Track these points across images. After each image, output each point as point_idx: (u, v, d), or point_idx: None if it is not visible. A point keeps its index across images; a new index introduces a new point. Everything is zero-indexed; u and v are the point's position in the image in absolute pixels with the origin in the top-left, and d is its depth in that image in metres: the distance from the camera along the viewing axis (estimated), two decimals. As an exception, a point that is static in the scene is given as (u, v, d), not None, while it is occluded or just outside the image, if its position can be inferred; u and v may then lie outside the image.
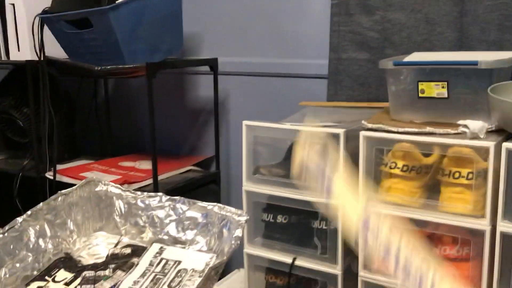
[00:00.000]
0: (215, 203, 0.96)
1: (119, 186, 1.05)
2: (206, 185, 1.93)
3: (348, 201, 0.72)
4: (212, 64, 1.89)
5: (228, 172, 2.05)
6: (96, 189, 1.06)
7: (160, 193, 1.01)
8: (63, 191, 1.02)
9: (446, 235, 1.20)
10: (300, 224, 1.44)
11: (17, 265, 0.95)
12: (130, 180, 1.71)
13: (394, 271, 0.65)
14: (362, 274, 1.31)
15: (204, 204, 0.97)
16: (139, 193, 1.03)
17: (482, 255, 1.14)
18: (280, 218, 1.45)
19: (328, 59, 1.72)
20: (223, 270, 1.98)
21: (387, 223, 0.68)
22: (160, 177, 1.75)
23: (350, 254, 1.37)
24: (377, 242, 0.67)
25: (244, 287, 1.55)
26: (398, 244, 0.66)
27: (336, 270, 1.35)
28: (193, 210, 0.98)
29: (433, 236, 1.23)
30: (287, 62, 1.86)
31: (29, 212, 0.99)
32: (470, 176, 1.16)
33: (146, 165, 1.89)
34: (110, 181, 1.08)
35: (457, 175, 1.18)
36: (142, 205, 1.02)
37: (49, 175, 1.82)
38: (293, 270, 1.41)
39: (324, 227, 1.38)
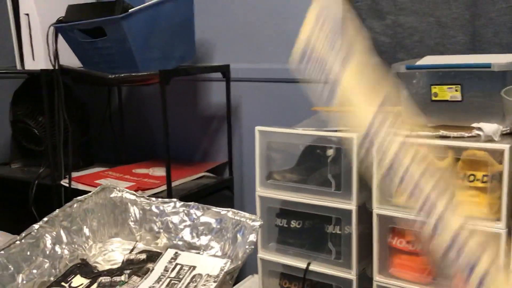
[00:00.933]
0: (229, 209, 0.96)
1: (133, 192, 1.06)
2: (220, 191, 1.94)
3: (357, 103, 0.61)
4: (224, 70, 1.91)
5: (242, 178, 2.05)
6: (111, 196, 1.07)
7: (174, 199, 1.02)
8: (78, 198, 1.03)
9: (461, 239, 1.19)
10: (314, 229, 1.43)
11: (34, 271, 0.96)
12: (144, 186, 1.73)
13: (409, 196, 0.60)
14: (377, 278, 1.30)
15: (218, 209, 0.98)
16: (153, 199, 1.04)
17: (497, 258, 1.13)
18: (294, 223, 1.45)
19: (340, 64, 1.72)
20: (237, 275, 1.98)
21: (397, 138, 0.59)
22: (174, 184, 1.76)
23: (365, 259, 1.36)
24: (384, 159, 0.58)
25: (258, 293, 1.55)
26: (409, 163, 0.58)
27: (351, 275, 1.35)
28: (207, 215, 0.99)
29: (448, 240, 1.23)
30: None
31: (45, 219, 1.00)
32: (485, 179, 1.15)
33: (160, 171, 1.90)
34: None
35: (471, 178, 1.17)
36: (156, 211, 1.03)
37: (64, 182, 1.83)
38: (307, 275, 1.41)
39: (338, 232, 1.38)
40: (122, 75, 1.65)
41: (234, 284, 1.74)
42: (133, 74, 1.65)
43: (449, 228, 0.54)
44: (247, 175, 2.04)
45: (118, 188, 1.06)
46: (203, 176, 1.95)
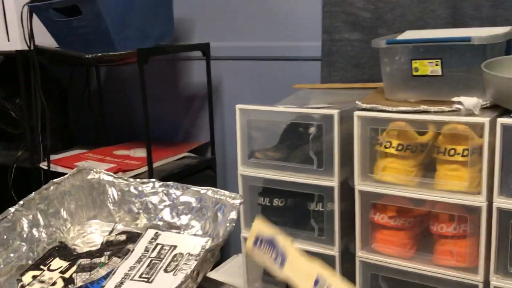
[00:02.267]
0: (208, 187, 0.96)
1: (111, 173, 1.04)
2: (202, 171, 1.92)
3: (300, 274, 0.79)
4: (204, 49, 1.88)
5: (224, 158, 2.04)
6: (88, 177, 1.05)
7: (153, 179, 1.01)
8: (54, 180, 1.01)
9: (442, 213, 1.20)
10: (296, 207, 1.43)
11: (12, 255, 0.94)
12: (124, 168, 1.71)
13: None
14: (360, 254, 1.31)
15: (198, 188, 0.97)
16: (131, 180, 1.02)
17: (479, 231, 1.14)
18: (276, 202, 1.44)
19: (321, 41, 1.70)
20: (221, 256, 1.99)
21: None
22: (155, 165, 1.74)
23: (348, 235, 1.36)
24: None
25: (242, 272, 1.55)
26: None
27: (334, 251, 1.35)
28: (187, 195, 0.98)
29: (430, 214, 1.23)
30: (279, 45, 1.85)
31: (21, 202, 0.98)
32: (466, 153, 1.15)
33: (141, 153, 1.88)
34: (105, 170, 1.07)
35: (452, 152, 1.17)
36: (135, 191, 1.01)
37: (43, 165, 1.81)
38: (290, 253, 1.41)
39: (320, 209, 1.37)
40: (99, 54, 1.62)
41: (218, 264, 1.74)
42: (110, 53, 1.62)
43: None
44: (229, 154, 2.03)
45: (95, 170, 1.05)
46: (185, 157, 1.94)
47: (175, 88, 2.11)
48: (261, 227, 0.87)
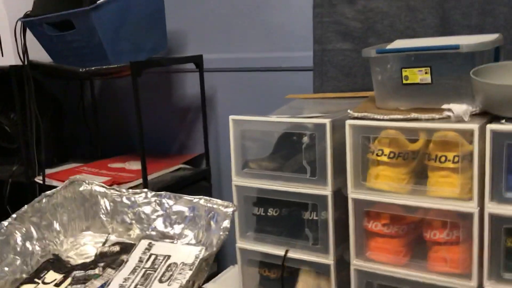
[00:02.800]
0: (201, 196, 0.96)
1: (103, 184, 1.04)
2: (197, 183, 1.93)
3: None
4: (198, 61, 1.89)
5: (219, 169, 2.05)
6: (80, 189, 1.05)
7: (145, 190, 1.02)
8: (47, 192, 1.02)
9: (435, 219, 1.20)
10: (291, 216, 1.43)
11: (6, 269, 0.94)
12: (119, 180, 1.71)
13: None
14: (355, 262, 1.31)
15: (190, 197, 0.97)
16: (124, 190, 1.03)
17: (471, 237, 1.15)
18: (271, 211, 1.45)
19: (313, 51, 1.72)
20: (218, 267, 1.98)
21: None
22: (150, 177, 1.75)
23: (342, 244, 1.37)
24: None
25: (238, 282, 1.54)
26: None
27: (329, 260, 1.35)
28: (180, 204, 0.98)
29: (423, 221, 1.24)
30: (272, 56, 1.86)
31: (14, 216, 0.98)
32: (456, 159, 1.16)
33: (136, 165, 1.88)
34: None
35: (443, 159, 1.18)
36: (128, 202, 1.02)
37: (38, 179, 1.81)
38: (286, 262, 1.41)
39: (315, 218, 1.38)
40: (93, 68, 1.63)
41: (215, 276, 1.73)
42: (104, 67, 1.63)
43: None
44: (224, 165, 2.03)
45: (87, 181, 1.05)
46: (179, 168, 1.94)
47: (169, 100, 2.12)
48: None
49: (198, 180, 1.94)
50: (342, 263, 1.36)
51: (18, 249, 0.97)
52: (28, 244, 0.98)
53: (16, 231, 0.97)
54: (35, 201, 1.00)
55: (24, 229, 0.98)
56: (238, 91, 1.96)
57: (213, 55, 1.95)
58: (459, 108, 1.17)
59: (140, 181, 1.71)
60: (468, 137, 1.14)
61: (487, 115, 1.19)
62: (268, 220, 1.46)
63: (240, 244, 1.50)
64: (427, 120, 1.20)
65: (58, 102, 2.12)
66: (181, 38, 2.03)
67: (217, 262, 1.94)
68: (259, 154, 1.51)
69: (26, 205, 0.99)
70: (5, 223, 0.97)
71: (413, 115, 1.22)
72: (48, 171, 1.83)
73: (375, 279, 1.29)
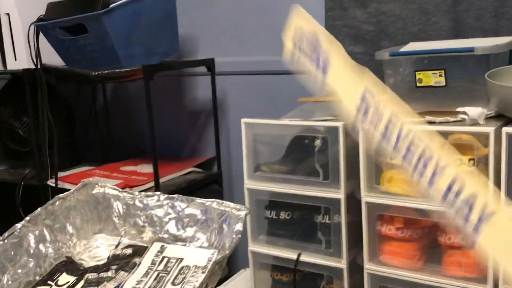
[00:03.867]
0: (213, 199, 0.96)
1: (116, 187, 1.04)
2: (209, 186, 1.93)
3: (345, 85, 0.65)
4: (209, 64, 1.89)
5: (230, 172, 2.04)
6: (93, 192, 1.05)
7: (158, 192, 1.01)
8: (60, 195, 1.02)
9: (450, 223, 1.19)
10: (303, 220, 1.43)
11: (19, 271, 0.94)
12: (131, 184, 1.71)
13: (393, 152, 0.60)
14: (368, 266, 1.30)
15: (203, 200, 0.97)
16: (136, 193, 1.03)
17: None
18: (283, 215, 1.44)
19: (325, 54, 1.71)
20: (229, 270, 1.97)
21: (387, 110, 0.61)
22: (161, 180, 1.75)
23: (355, 247, 1.36)
24: (377, 130, 0.61)
25: (250, 286, 1.54)
26: (398, 131, 0.60)
27: (341, 264, 1.34)
28: (192, 207, 0.98)
29: (437, 225, 1.23)
30: (283, 59, 1.86)
31: (27, 218, 0.98)
32: (471, 162, 1.15)
33: (148, 168, 1.89)
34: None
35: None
36: (140, 205, 1.02)
37: (51, 182, 1.82)
38: (298, 266, 1.41)
39: (327, 221, 1.37)
40: (105, 72, 1.63)
41: (226, 279, 1.73)
42: (116, 70, 1.63)
43: (446, 175, 0.56)
44: (235, 168, 2.03)
45: (100, 184, 1.05)
46: (191, 172, 1.94)
47: (181, 104, 2.12)
48: (301, 21, 0.69)
49: (210, 183, 1.94)
50: (355, 267, 1.35)
51: (32, 251, 0.97)
52: (41, 247, 0.98)
53: (30, 234, 0.97)
54: (48, 204, 1.00)
55: (37, 231, 0.98)
56: (249, 94, 1.95)
57: (224, 59, 1.95)
58: (474, 111, 1.16)
59: (152, 184, 1.71)
60: (483, 140, 1.13)
61: (503, 118, 1.18)
62: (280, 224, 1.45)
63: (252, 247, 1.49)
64: (441, 123, 1.19)
65: (70, 105, 2.13)
66: (193, 41, 2.04)
67: (228, 265, 1.94)
68: (271, 158, 1.51)
69: (39, 208, 0.99)
70: (19, 225, 0.97)
71: (427, 117, 1.21)
72: (60, 174, 1.84)
73: (389, 283, 1.28)
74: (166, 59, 1.81)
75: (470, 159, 1.15)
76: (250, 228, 1.48)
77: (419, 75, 1.27)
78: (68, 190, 1.06)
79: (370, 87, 0.63)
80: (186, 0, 1.98)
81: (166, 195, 1.01)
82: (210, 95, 1.92)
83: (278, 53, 1.88)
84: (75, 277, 0.97)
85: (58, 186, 1.78)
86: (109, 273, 0.96)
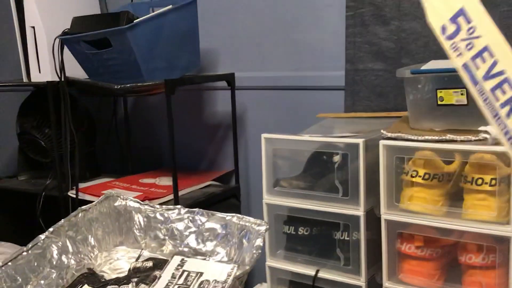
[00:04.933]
0: (233, 214, 0.96)
1: (137, 200, 1.05)
2: (227, 200, 1.93)
3: None
4: (229, 79, 1.91)
5: (248, 186, 2.05)
6: (115, 204, 1.07)
7: (178, 206, 1.02)
8: (83, 207, 1.03)
9: (470, 242, 1.18)
10: (322, 236, 1.42)
11: (42, 282, 0.96)
12: (150, 196, 1.72)
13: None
14: (387, 285, 1.29)
15: (223, 215, 0.98)
16: (157, 206, 1.04)
17: (508, 262, 1.12)
18: (301, 230, 1.44)
19: (345, 70, 1.72)
20: (245, 285, 1.96)
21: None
22: (180, 193, 1.76)
23: (374, 265, 1.35)
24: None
25: (267, 302, 1.53)
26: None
27: (360, 281, 1.33)
28: (212, 221, 0.98)
29: (458, 244, 1.21)
30: (303, 74, 1.87)
31: (51, 229, 1.00)
32: (493, 182, 1.14)
33: (167, 181, 1.90)
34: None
35: (480, 181, 1.16)
36: (161, 218, 1.03)
37: (71, 193, 1.84)
38: (316, 283, 1.40)
39: (346, 238, 1.36)
40: (128, 85, 1.66)
41: (243, 293, 1.72)
42: (138, 84, 1.65)
43: None
44: (253, 183, 2.03)
45: (122, 197, 1.06)
46: (209, 185, 1.95)
47: (200, 117, 2.14)
48: None
49: (228, 197, 1.94)
50: (374, 285, 1.34)
51: (54, 262, 0.98)
52: (63, 258, 0.99)
53: (53, 245, 0.98)
54: (71, 215, 1.02)
55: (60, 242, 0.99)
56: (268, 109, 1.96)
57: (244, 73, 1.97)
58: (496, 130, 1.14)
59: (171, 197, 1.72)
60: (506, 159, 1.12)
61: (525, 137, 1.16)
62: (298, 239, 1.45)
63: (270, 262, 1.49)
64: (463, 141, 1.18)
65: (91, 117, 2.16)
66: (214, 56, 2.06)
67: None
68: (290, 173, 1.51)
69: (62, 219, 1.01)
70: (42, 236, 0.98)
71: (449, 136, 1.20)
72: (80, 185, 1.86)
73: (408, 302, 1.27)
74: (187, 73, 1.83)
75: (492, 179, 1.14)
76: (268, 243, 1.48)
77: (440, 93, 1.27)
78: (89, 201, 1.07)
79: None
80: (207, 15, 2.01)
81: (186, 209, 1.02)
82: (230, 109, 1.94)
83: (298, 69, 1.91)
84: (96, 289, 0.98)
85: (79, 197, 1.80)
86: (130, 286, 0.97)
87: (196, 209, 1.02)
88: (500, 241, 1.13)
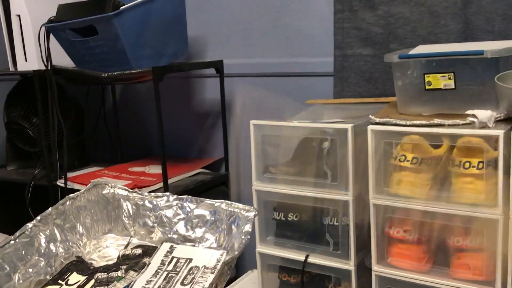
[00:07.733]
0: (222, 200, 0.96)
1: (126, 187, 1.05)
2: (216, 187, 1.93)
3: None
4: (218, 66, 1.90)
5: (238, 173, 2.05)
6: (103, 192, 1.06)
7: (167, 193, 1.02)
8: (70, 195, 1.03)
9: (458, 226, 1.19)
10: (311, 221, 1.43)
11: (30, 270, 0.95)
12: (140, 184, 1.72)
13: None
14: (376, 268, 1.30)
15: (212, 201, 0.98)
16: (146, 193, 1.03)
17: (495, 244, 1.13)
18: (291, 216, 1.45)
19: (333, 56, 1.72)
20: (236, 271, 1.98)
21: None
22: (170, 181, 1.75)
23: (363, 249, 1.36)
24: None
25: (258, 287, 1.54)
26: None
27: (349, 265, 1.34)
28: (201, 208, 0.98)
29: (446, 227, 1.22)
30: (292, 61, 1.87)
31: (38, 218, 0.99)
32: (481, 165, 1.15)
33: (156, 169, 1.90)
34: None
35: (467, 165, 1.17)
36: (150, 205, 1.02)
37: (60, 183, 1.83)
38: (306, 268, 1.41)
39: (335, 223, 1.37)
40: (115, 73, 1.64)
41: (234, 280, 1.73)
42: (126, 72, 1.64)
43: None
44: (243, 170, 2.03)
45: (110, 184, 1.06)
46: (199, 173, 1.95)
47: (189, 105, 2.13)
48: None
49: (218, 184, 1.94)
50: (363, 269, 1.35)
51: (42, 250, 0.98)
52: (52, 246, 0.99)
53: (40, 233, 0.98)
54: (59, 204, 1.01)
55: (48, 231, 0.99)
56: (257, 96, 1.96)
57: (233, 60, 1.96)
58: (483, 114, 1.15)
59: (161, 185, 1.72)
60: (493, 143, 1.12)
61: (512, 121, 1.17)
62: (288, 225, 1.46)
63: (260, 248, 1.50)
64: (450, 125, 1.19)
65: (79, 106, 2.14)
66: (202, 43, 2.05)
67: (236, 266, 1.94)
68: (279, 159, 1.51)
69: (50, 208, 1.00)
70: (30, 225, 0.98)
71: (437, 120, 1.21)
72: (69, 174, 1.85)
73: (397, 285, 1.28)
74: (175, 60, 1.82)
75: (479, 162, 1.15)
76: (258, 229, 1.49)
77: (428, 78, 1.27)
78: (77, 190, 1.07)
79: None
80: (195, 2, 1.99)
81: (175, 196, 1.02)
82: (219, 96, 1.93)
83: (286, 55, 1.90)
84: (85, 277, 0.98)
85: (68, 186, 1.79)
86: (119, 273, 0.97)
87: (185, 196, 1.01)
88: (488, 223, 1.14)
